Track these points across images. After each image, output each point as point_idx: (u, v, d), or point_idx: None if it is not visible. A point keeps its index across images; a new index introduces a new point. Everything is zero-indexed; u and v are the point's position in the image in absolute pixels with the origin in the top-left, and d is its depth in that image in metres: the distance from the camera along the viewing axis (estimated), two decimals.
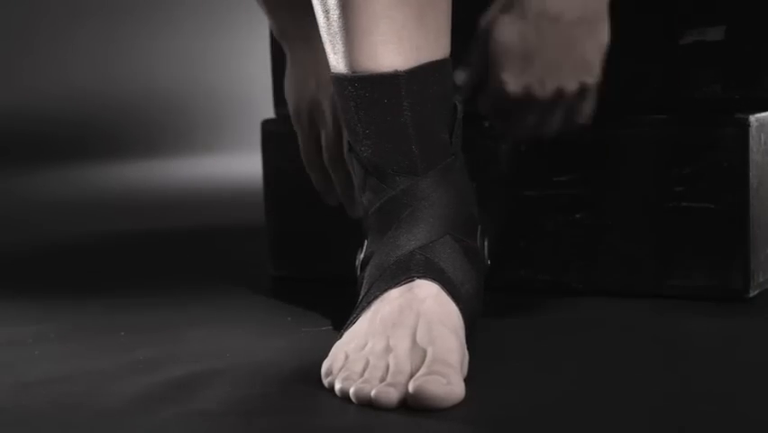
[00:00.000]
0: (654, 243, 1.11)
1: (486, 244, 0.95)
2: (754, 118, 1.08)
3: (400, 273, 0.89)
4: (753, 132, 1.07)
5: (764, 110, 1.10)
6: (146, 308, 1.18)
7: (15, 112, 2.76)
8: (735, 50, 1.12)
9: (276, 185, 1.29)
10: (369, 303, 0.89)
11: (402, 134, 0.90)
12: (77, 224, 1.99)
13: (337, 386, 0.83)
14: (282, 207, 1.29)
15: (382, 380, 0.82)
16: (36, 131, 2.72)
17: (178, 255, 1.56)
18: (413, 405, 0.79)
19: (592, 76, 1.05)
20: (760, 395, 0.82)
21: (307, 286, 1.26)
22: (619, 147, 1.12)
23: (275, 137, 1.28)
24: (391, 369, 0.82)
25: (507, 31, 1.03)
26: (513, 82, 1.04)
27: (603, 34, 1.05)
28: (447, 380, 0.80)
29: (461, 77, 1.06)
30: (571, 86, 1.05)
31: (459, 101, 0.94)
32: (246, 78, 2.91)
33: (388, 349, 0.84)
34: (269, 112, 1.34)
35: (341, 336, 0.89)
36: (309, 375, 0.88)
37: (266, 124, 1.30)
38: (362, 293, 0.91)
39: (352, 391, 0.81)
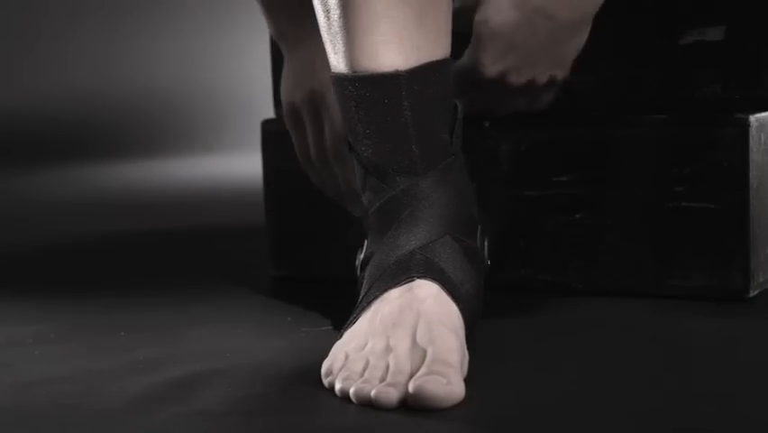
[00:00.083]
0: (654, 243, 1.11)
1: (486, 244, 0.95)
2: (754, 118, 1.08)
3: (400, 273, 0.89)
4: (753, 132, 1.07)
5: (764, 110, 1.10)
6: (146, 308, 1.18)
7: (15, 112, 2.76)
8: (735, 50, 1.12)
9: (276, 185, 1.29)
10: (369, 303, 0.89)
11: (402, 134, 0.90)
12: (77, 224, 1.99)
13: (337, 386, 0.83)
14: (282, 207, 1.29)
15: (382, 380, 0.82)
16: (36, 131, 2.72)
17: (178, 255, 1.56)
18: (413, 405, 0.79)
19: (563, 71, 1.10)
20: (760, 395, 0.82)
21: (307, 286, 1.26)
22: (619, 147, 1.12)
23: (275, 137, 1.28)
24: (391, 369, 0.82)
25: (498, 16, 1.05)
26: (490, 65, 1.07)
27: (585, 36, 1.09)
28: (447, 380, 0.80)
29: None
30: (542, 78, 1.09)
31: (459, 101, 0.94)
32: (246, 78, 2.90)
33: (388, 349, 0.84)
34: (269, 112, 1.34)
35: (341, 336, 0.89)
36: (309, 375, 0.88)
37: (266, 124, 1.30)
38: (362, 293, 0.91)
39: (352, 391, 0.81)
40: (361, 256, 0.94)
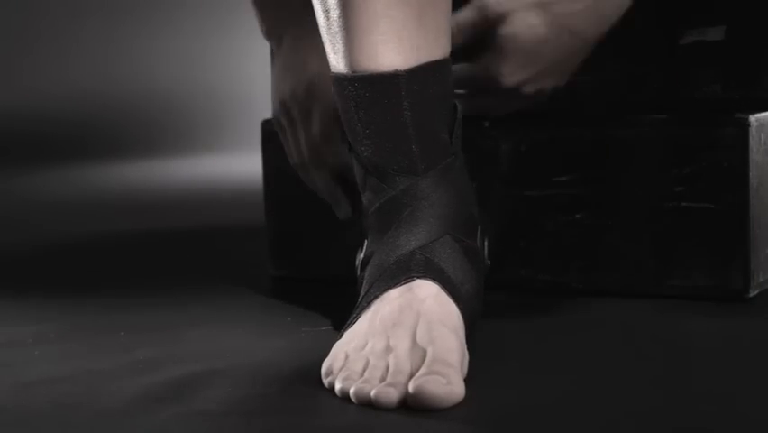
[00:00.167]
0: (654, 243, 1.11)
1: (486, 244, 0.95)
2: (754, 118, 1.08)
3: (400, 273, 0.89)
4: (753, 132, 1.07)
5: (764, 110, 1.10)
6: (146, 308, 1.18)
7: (15, 112, 2.76)
8: (735, 50, 1.12)
9: (276, 185, 1.29)
10: (369, 303, 0.89)
11: (402, 134, 0.90)
12: (77, 224, 1.99)
13: (337, 386, 0.83)
14: (282, 207, 1.29)
15: (382, 380, 0.82)
16: (36, 131, 2.72)
17: (178, 255, 1.56)
18: (413, 405, 0.79)
19: (565, 79, 1.10)
20: (760, 395, 0.82)
21: (307, 286, 1.26)
22: (619, 147, 1.12)
23: (275, 137, 1.28)
24: (391, 369, 0.82)
25: (528, 32, 1.04)
26: (509, 76, 1.06)
27: (590, 50, 1.09)
28: (447, 380, 0.80)
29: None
30: (549, 86, 1.09)
31: (458, 101, 0.94)
32: (246, 78, 2.90)
33: (388, 349, 0.84)
34: (269, 112, 1.34)
35: (341, 336, 0.89)
36: (309, 375, 0.88)
37: (266, 124, 1.30)
38: (362, 293, 0.91)
39: (352, 391, 0.81)
40: (361, 256, 0.94)
